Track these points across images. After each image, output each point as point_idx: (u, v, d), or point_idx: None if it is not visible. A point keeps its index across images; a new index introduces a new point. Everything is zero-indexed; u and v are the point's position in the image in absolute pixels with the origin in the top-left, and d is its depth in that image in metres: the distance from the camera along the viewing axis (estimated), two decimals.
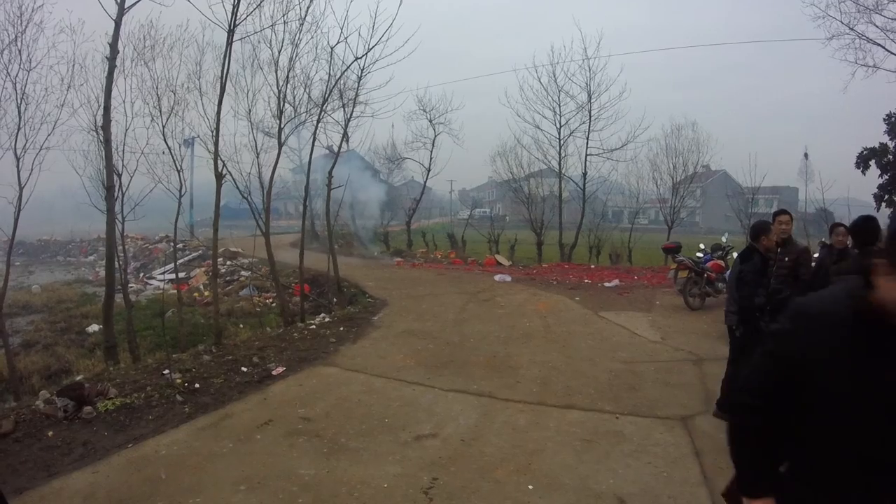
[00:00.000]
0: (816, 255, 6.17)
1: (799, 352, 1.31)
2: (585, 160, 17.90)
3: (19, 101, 6.43)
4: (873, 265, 1.24)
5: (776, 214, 4.89)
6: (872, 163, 15.92)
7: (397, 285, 11.66)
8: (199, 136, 8.55)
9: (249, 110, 8.70)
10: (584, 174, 18.01)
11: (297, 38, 8.38)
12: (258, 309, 11.15)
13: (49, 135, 6.62)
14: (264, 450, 3.81)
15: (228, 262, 17.05)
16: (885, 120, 15.78)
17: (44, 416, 4.29)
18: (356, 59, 8.87)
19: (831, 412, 1.27)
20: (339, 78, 9.22)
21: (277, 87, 8.50)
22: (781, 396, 1.35)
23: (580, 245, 17.64)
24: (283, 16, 7.95)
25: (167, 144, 7.31)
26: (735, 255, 5.26)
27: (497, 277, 12.45)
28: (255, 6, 7.35)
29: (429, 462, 3.61)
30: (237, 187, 8.18)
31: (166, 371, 5.36)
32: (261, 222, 8.42)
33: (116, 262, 7.17)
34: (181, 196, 7.54)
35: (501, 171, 19.75)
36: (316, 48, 9.06)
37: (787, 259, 4.71)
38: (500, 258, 16.96)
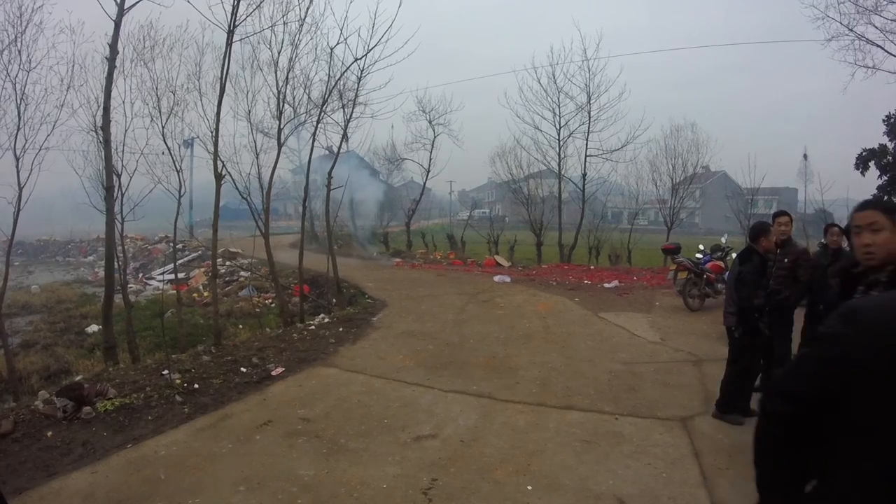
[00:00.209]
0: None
1: (850, 357, 1.19)
2: (585, 161, 17.95)
3: (19, 102, 6.44)
4: None
5: (776, 216, 4.90)
6: (872, 164, 15.91)
7: (397, 286, 11.66)
8: (198, 137, 8.56)
9: (249, 111, 8.72)
10: (584, 175, 18.03)
11: (296, 39, 8.40)
12: (257, 309, 11.14)
13: (48, 135, 6.63)
14: (264, 450, 3.81)
15: (228, 263, 17.05)
16: (884, 121, 15.79)
17: (43, 417, 4.29)
18: (356, 59, 8.88)
19: (878, 427, 1.15)
20: (339, 79, 9.23)
21: (277, 88, 8.52)
22: (823, 405, 1.22)
23: (580, 246, 17.65)
24: (283, 17, 7.96)
25: (167, 145, 7.32)
26: (734, 255, 5.26)
27: (496, 278, 12.46)
28: (254, 7, 7.37)
29: (428, 463, 3.61)
30: (236, 188, 8.18)
31: (166, 371, 5.36)
32: (260, 223, 8.42)
33: (116, 263, 7.16)
34: (180, 196, 7.54)
35: (501, 172, 19.78)
36: (315, 49, 9.08)
37: (786, 260, 4.72)
38: (499, 259, 16.96)
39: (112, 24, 6.70)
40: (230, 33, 7.15)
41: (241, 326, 10.02)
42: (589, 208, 18.30)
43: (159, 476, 3.43)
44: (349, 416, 4.41)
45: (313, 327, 7.75)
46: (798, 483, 1.29)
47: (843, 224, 4.42)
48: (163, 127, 7.24)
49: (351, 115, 10.14)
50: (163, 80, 7.33)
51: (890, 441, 1.13)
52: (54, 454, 3.75)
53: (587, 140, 17.69)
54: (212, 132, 7.42)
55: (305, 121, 9.71)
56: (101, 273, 13.25)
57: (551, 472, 3.49)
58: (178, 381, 5.11)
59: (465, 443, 3.92)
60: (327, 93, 9.15)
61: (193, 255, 19.97)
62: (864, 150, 16.00)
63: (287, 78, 8.58)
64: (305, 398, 4.86)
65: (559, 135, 17.90)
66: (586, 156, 17.85)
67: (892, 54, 11.63)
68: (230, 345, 6.93)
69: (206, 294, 13.72)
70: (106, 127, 6.67)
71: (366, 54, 8.83)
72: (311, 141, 9.67)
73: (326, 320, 8.26)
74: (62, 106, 6.73)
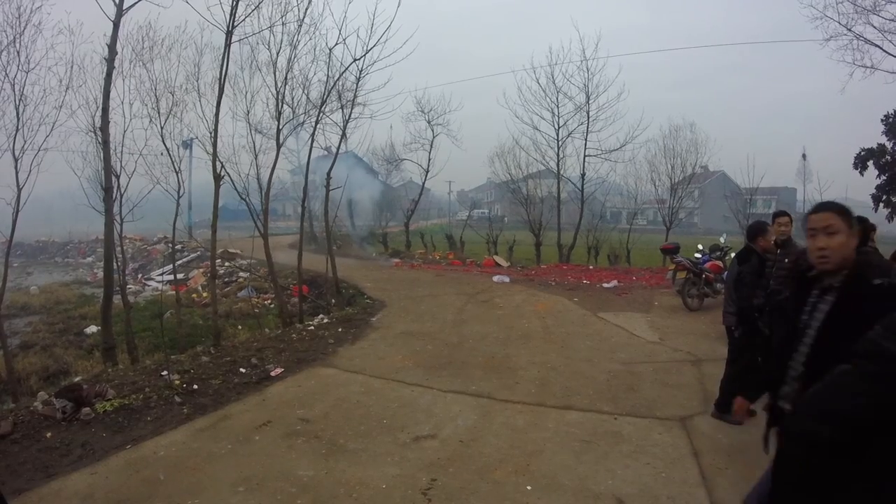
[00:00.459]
0: None
1: None
2: (584, 161, 17.96)
3: (17, 103, 6.45)
4: None
5: (776, 216, 4.91)
6: (870, 163, 15.96)
7: (396, 286, 11.67)
8: (197, 138, 8.57)
9: (248, 111, 8.71)
10: (583, 175, 18.05)
11: (295, 40, 8.42)
12: (257, 310, 11.14)
13: (47, 136, 6.65)
14: (263, 451, 3.81)
15: (227, 264, 17.06)
16: (882, 120, 15.83)
17: (42, 418, 4.29)
18: (354, 60, 8.90)
19: None
20: (338, 79, 9.25)
21: (276, 89, 8.53)
22: (876, 427, 1.07)
23: (579, 246, 17.67)
24: (282, 17, 7.98)
25: (165, 145, 7.33)
26: (733, 255, 5.27)
27: (495, 278, 12.47)
28: (253, 8, 7.38)
29: (427, 463, 3.61)
30: (235, 188, 8.19)
31: (165, 372, 5.36)
32: (259, 223, 8.43)
33: (115, 264, 7.17)
34: (179, 197, 7.55)
35: (500, 172, 19.80)
36: (314, 50, 9.10)
37: (787, 260, 4.72)
38: (498, 259, 16.97)
39: (111, 24, 6.73)
40: (229, 34, 7.16)
41: (240, 327, 10.03)
42: (588, 208, 18.32)
43: (158, 477, 3.43)
44: (348, 417, 4.41)
45: (312, 328, 7.75)
46: None
47: None
48: (161, 128, 7.26)
49: (350, 116, 10.17)
50: (161, 81, 7.36)
51: None
52: (53, 455, 3.75)
53: (586, 140, 17.74)
54: (210, 133, 7.43)
55: (304, 121, 9.72)
56: (100, 274, 13.23)
57: (550, 471, 3.49)
58: (177, 382, 5.11)
59: (465, 443, 3.92)
60: (326, 93, 9.18)
61: (192, 255, 19.97)
62: (863, 149, 16.04)
63: (286, 78, 8.61)
64: (304, 398, 4.86)
65: (558, 135, 17.94)
66: (585, 156, 17.90)
67: (890, 54, 11.65)
68: (229, 345, 6.93)
69: (205, 295, 13.72)
70: (105, 128, 6.67)
71: (364, 55, 8.86)
72: (309, 141, 9.69)
73: (325, 321, 8.26)
74: (61, 107, 6.75)
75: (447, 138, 21.03)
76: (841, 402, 1.16)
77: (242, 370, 5.62)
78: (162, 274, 18.51)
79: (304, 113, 9.48)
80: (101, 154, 6.78)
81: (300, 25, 8.32)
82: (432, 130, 20.74)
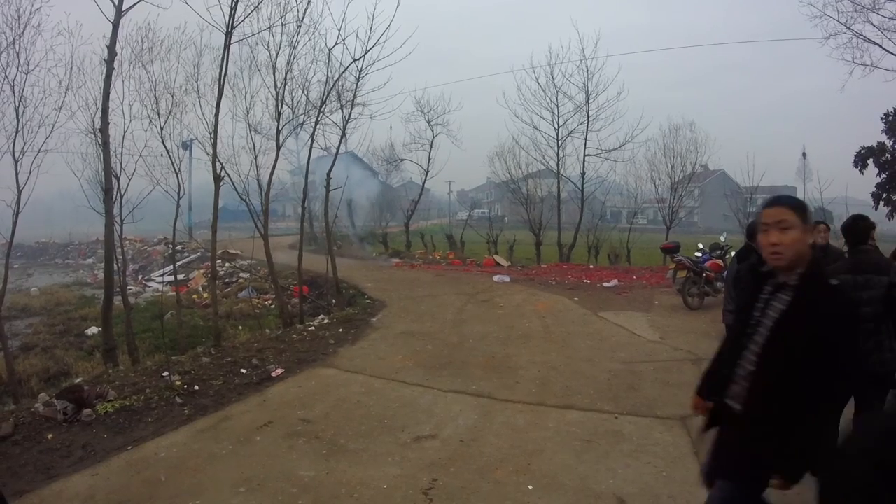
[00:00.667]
0: None
1: None
2: (584, 160, 17.97)
3: (17, 104, 6.44)
4: None
5: None
6: (870, 161, 15.97)
7: (396, 286, 11.67)
8: (197, 139, 8.59)
9: (247, 112, 8.70)
10: (583, 174, 18.05)
11: (294, 41, 8.41)
12: (257, 311, 11.14)
13: (47, 137, 6.64)
14: (264, 451, 3.81)
15: (227, 264, 17.06)
16: (882, 119, 15.85)
17: (43, 419, 4.29)
18: (354, 60, 8.89)
19: None
20: (337, 80, 9.23)
21: (275, 89, 8.52)
22: None
23: (579, 245, 17.66)
24: (281, 18, 7.96)
25: (165, 146, 7.33)
26: (733, 254, 5.27)
27: (496, 278, 12.46)
28: (252, 8, 7.37)
29: (428, 463, 3.61)
30: (235, 189, 8.19)
31: (165, 373, 5.36)
32: (259, 224, 8.43)
33: (115, 265, 7.16)
34: (179, 198, 7.55)
35: (500, 172, 19.80)
36: (314, 50, 9.08)
37: None
38: (498, 259, 16.97)
39: (110, 25, 6.71)
40: (228, 35, 7.16)
41: (240, 328, 10.04)
42: (588, 208, 18.32)
43: (160, 478, 3.43)
44: (349, 417, 4.41)
45: (313, 328, 7.75)
46: None
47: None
48: (161, 129, 7.26)
49: (349, 116, 10.15)
50: (161, 82, 7.36)
51: None
52: (54, 456, 3.75)
53: (586, 139, 17.76)
54: (210, 134, 7.43)
55: (304, 122, 9.72)
56: (101, 275, 13.26)
57: (551, 471, 3.49)
58: (177, 383, 5.11)
59: (465, 443, 3.93)
60: (325, 94, 9.17)
61: (193, 256, 19.97)
62: (863, 147, 16.05)
63: (285, 79, 8.60)
64: (305, 399, 4.86)
65: (558, 134, 17.94)
66: (585, 155, 17.91)
67: (889, 52, 11.66)
68: (230, 346, 6.93)
69: (205, 295, 13.72)
70: (104, 129, 6.66)
71: (364, 55, 8.85)
72: (309, 142, 9.69)
73: (326, 321, 8.26)
74: (60, 108, 6.75)
75: (447, 138, 21.05)
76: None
77: (243, 371, 5.62)
78: (162, 275, 18.51)
79: (304, 113, 9.48)
80: (101, 155, 6.78)
81: (299, 26, 8.32)
82: (432, 130, 20.76)
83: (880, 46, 11.67)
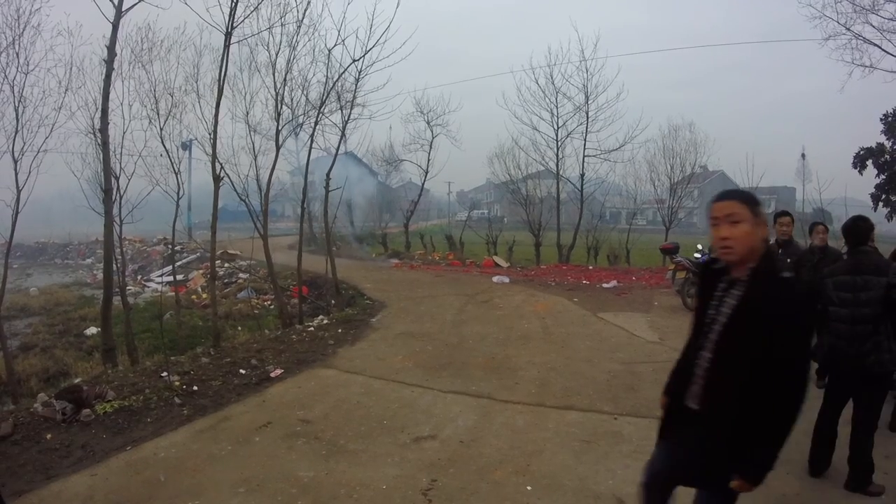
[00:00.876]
0: None
1: None
2: (583, 161, 17.92)
3: (17, 104, 6.44)
4: None
5: (777, 216, 4.91)
6: (870, 162, 15.97)
7: (395, 287, 11.67)
8: (196, 139, 8.58)
9: (247, 113, 8.71)
10: (582, 175, 18.03)
11: (294, 41, 8.41)
12: (256, 311, 11.14)
13: (47, 137, 6.63)
14: (263, 452, 3.81)
15: (227, 265, 17.05)
16: (882, 120, 15.86)
17: (42, 419, 4.28)
18: (353, 61, 8.88)
19: None
20: (337, 80, 9.22)
21: (275, 90, 8.52)
22: None
23: (578, 246, 17.65)
24: (281, 18, 7.96)
25: (165, 147, 7.34)
26: None
27: (495, 279, 12.47)
28: (252, 9, 7.36)
29: (428, 463, 3.61)
30: (235, 189, 8.19)
31: (165, 373, 5.36)
32: (259, 224, 8.43)
33: (114, 265, 7.16)
34: (179, 198, 7.56)
35: (499, 173, 19.74)
36: (313, 51, 9.08)
37: (789, 260, 4.73)
38: (498, 259, 16.97)
39: (110, 26, 6.70)
40: (228, 35, 7.16)
41: (239, 328, 10.03)
42: (587, 208, 18.31)
43: (159, 478, 3.43)
44: (348, 418, 4.41)
45: (312, 329, 7.75)
46: None
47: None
48: (161, 129, 7.27)
49: (349, 117, 10.14)
50: (161, 82, 7.38)
51: None
52: (53, 457, 3.75)
53: (585, 140, 17.71)
54: (210, 134, 7.43)
55: (303, 122, 9.73)
56: (100, 275, 13.22)
57: (551, 472, 3.49)
58: (177, 383, 5.11)
59: (465, 443, 3.93)
60: (325, 94, 9.17)
61: (192, 256, 19.96)
62: (862, 148, 16.06)
63: (285, 79, 8.60)
64: (304, 399, 4.86)
65: (557, 135, 17.91)
66: (584, 156, 17.86)
67: (889, 53, 11.66)
68: (229, 346, 6.93)
69: (204, 296, 13.71)
70: (104, 129, 6.66)
71: (364, 55, 8.85)
72: (309, 142, 9.69)
73: (325, 321, 8.26)
74: (60, 108, 6.75)
75: (446, 139, 20.99)
76: None
77: (242, 371, 5.62)
78: (161, 275, 18.51)
79: (304, 114, 9.51)
80: (101, 155, 6.77)
81: (299, 26, 8.32)
82: (431, 131, 20.74)
83: (879, 47, 11.68)
